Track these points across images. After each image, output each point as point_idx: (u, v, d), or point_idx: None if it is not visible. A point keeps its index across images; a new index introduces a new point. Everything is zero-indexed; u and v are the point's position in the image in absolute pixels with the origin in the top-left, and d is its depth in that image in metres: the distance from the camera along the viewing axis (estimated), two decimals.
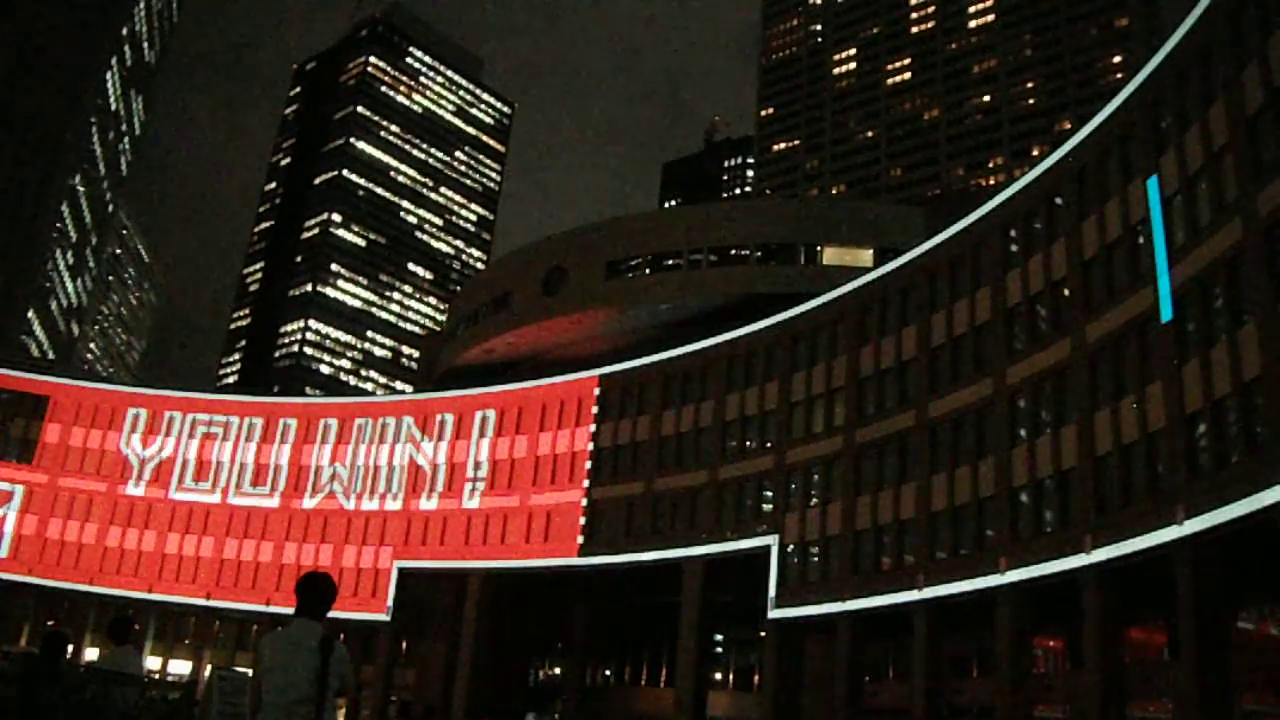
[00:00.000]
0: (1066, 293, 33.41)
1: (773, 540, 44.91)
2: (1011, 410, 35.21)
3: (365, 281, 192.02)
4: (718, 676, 55.49)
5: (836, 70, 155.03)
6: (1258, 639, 26.58)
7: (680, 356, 52.40)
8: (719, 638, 55.09)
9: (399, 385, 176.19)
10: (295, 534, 61.33)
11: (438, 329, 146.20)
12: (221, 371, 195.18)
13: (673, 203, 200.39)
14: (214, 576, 61.68)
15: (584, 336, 60.36)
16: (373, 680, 56.62)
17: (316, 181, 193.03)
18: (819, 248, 54.91)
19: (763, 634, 46.94)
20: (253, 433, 64.38)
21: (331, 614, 6.54)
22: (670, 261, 57.60)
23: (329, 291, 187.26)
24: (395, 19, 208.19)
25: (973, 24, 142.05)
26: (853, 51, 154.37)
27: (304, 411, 66.22)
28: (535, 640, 63.53)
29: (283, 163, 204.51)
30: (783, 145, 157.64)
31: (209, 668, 56.25)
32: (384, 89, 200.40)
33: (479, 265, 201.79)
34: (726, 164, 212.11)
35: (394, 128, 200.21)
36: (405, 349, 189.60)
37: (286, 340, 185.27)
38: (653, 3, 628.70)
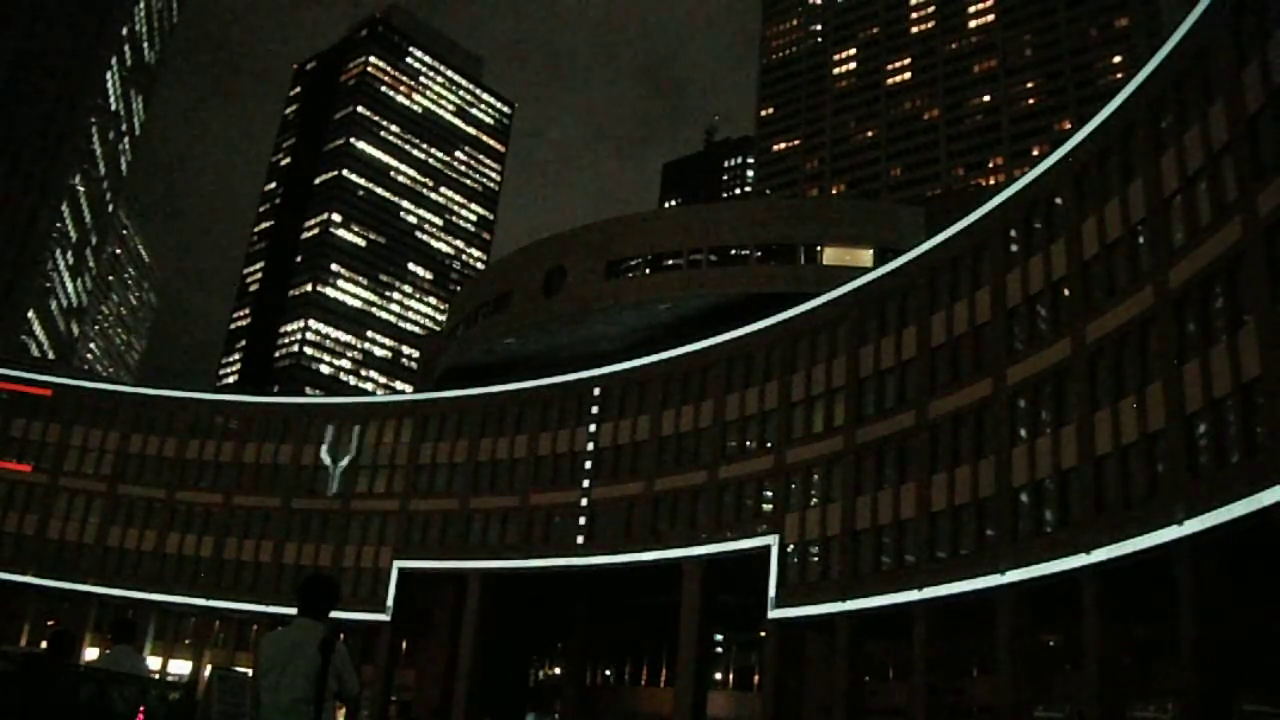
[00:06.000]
0: (1066, 293, 33.41)
1: (773, 540, 44.91)
2: (1011, 410, 35.21)
3: (365, 281, 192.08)
4: (718, 676, 55.48)
5: (836, 70, 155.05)
6: (1258, 639, 26.56)
7: (680, 356, 52.39)
8: (719, 638, 55.07)
9: (399, 385, 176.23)
10: (295, 534, 61.33)
11: (438, 329, 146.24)
12: (221, 371, 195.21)
13: (673, 203, 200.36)
14: (214, 576, 61.70)
15: (584, 336, 60.34)
16: (373, 680, 56.60)
17: (316, 181, 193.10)
18: (819, 248, 54.88)
19: (763, 634, 46.93)
20: (253, 432, 64.39)
21: (332, 614, 6.52)
22: (670, 261, 57.57)
23: (329, 291, 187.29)
24: (395, 19, 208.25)
25: (973, 24, 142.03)
26: (853, 51, 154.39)
27: (304, 411, 66.22)
28: (535, 640, 63.53)
29: (283, 163, 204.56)
30: (783, 145, 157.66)
31: (209, 668, 56.22)
32: (384, 89, 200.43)
33: (479, 265, 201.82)
34: (726, 164, 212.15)
35: (394, 128, 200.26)
36: (405, 349, 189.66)
37: (286, 340, 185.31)
38: (653, 3, 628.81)
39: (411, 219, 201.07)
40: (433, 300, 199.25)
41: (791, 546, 44.35)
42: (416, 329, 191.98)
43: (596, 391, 55.30)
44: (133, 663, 10.33)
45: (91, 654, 55.61)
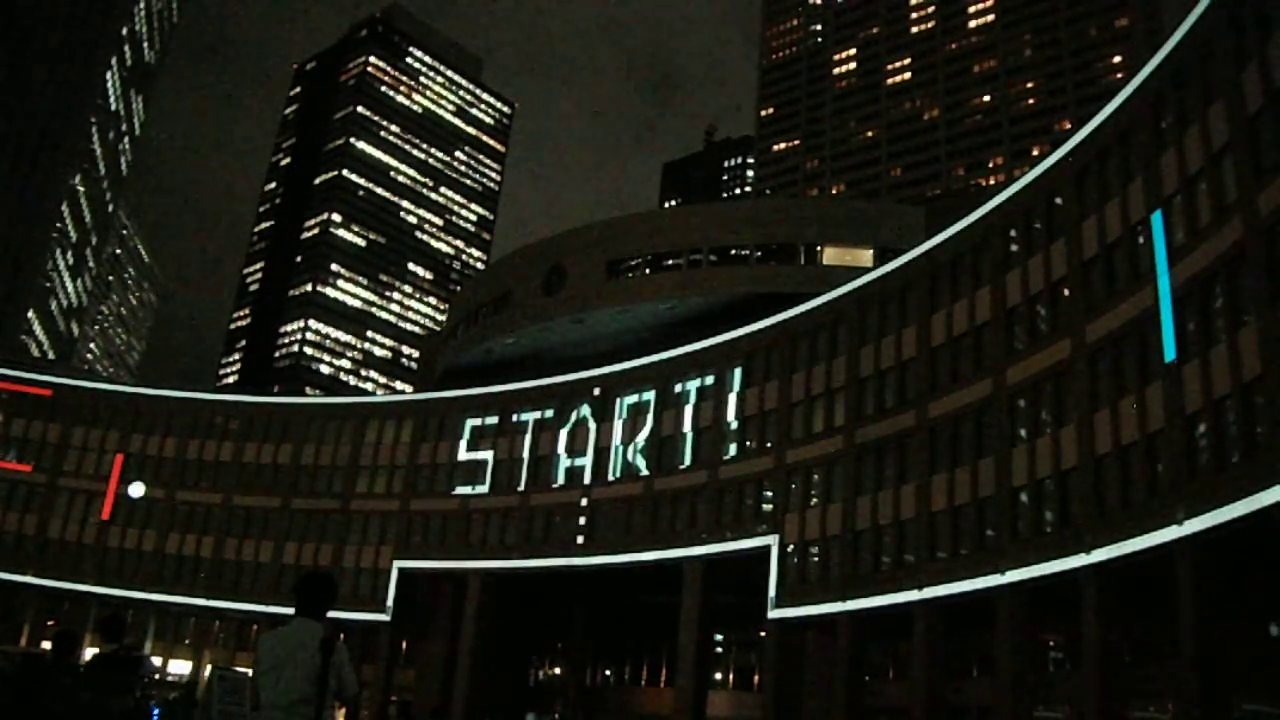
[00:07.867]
0: (1066, 293, 33.42)
1: (773, 540, 44.91)
2: (1011, 410, 35.21)
3: (365, 281, 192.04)
4: (718, 676, 55.46)
5: (836, 70, 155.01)
6: (1257, 639, 26.56)
7: (680, 356, 52.39)
8: (719, 638, 55.06)
9: (399, 385, 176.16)
10: (295, 534, 61.34)
11: (438, 329, 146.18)
12: (221, 371, 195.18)
13: (673, 203, 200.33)
14: (214, 576, 61.69)
15: (584, 337, 60.32)
16: (373, 680, 56.61)
17: (316, 181, 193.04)
18: (819, 248, 54.86)
19: (763, 634, 46.93)
20: (253, 432, 64.39)
21: (331, 614, 6.51)
22: (670, 261, 57.55)
23: (329, 291, 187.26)
24: (395, 19, 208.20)
25: (973, 24, 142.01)
26: (853, 51, 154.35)
27: (304, 411, 66.23)
28: (535, 640, 63.49)
29: (283, 163, 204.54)
30: (783, 145, 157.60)
31: (209, 668, 56.20)
32: (384, 89, 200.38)
33: (479, 265, 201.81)
34: (726, 164, 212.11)
35: (394, 128, 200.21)
36: (405, 349, 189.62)
37: (286, 340, 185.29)
38: (653, 3, 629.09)
39: (411, 219, 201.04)
40: (433, 300, 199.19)
41: (791, 546, 44.34)
42: (416, 329, 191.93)
43: (596, 391, 55.28)
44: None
45: (91, 654, 55.61)
